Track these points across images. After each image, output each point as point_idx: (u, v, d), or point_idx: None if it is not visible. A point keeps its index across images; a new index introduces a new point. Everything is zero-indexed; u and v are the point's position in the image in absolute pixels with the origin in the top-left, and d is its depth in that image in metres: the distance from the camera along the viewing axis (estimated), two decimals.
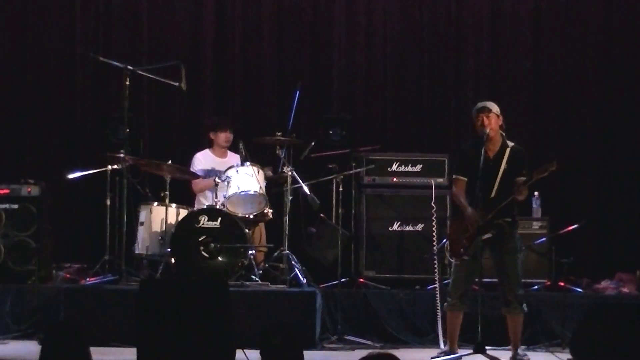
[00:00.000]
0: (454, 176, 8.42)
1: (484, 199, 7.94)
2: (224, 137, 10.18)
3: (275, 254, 9.63)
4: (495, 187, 8.06)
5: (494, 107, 8.17)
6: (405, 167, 10.18)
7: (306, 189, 9.62)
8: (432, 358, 8.04)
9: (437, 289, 9.13)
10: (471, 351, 7.99)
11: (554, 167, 7.94)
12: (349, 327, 9.27)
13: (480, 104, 8.22)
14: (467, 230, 8.05)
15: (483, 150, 8.02)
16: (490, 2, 11.56)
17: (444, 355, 8.19)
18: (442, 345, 8.81)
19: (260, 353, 5.11)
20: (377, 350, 3.56)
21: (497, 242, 8.05)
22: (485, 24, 11.57)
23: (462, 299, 8.20)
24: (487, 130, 8.06)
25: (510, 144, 8.22)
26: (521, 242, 8.63)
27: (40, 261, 9.53)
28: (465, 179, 8.22)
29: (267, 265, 9.66)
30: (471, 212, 7.97)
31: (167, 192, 9.48)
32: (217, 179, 9.53)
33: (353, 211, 10.19)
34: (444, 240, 8.40)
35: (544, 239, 9.84)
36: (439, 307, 8.95)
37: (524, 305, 8.17)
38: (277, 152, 9.76)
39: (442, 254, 8.62)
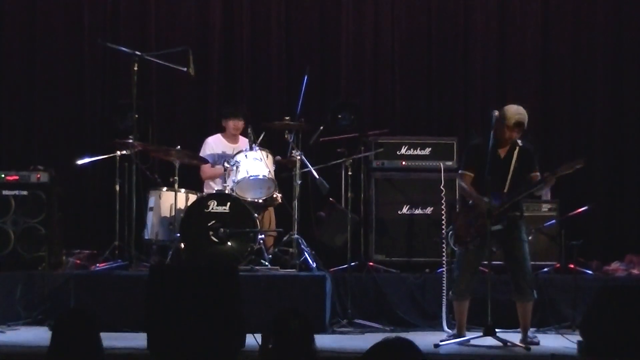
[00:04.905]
0: (460, 171, 8.46)
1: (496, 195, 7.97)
2: (232, 124, 10.24)
3: (285, 238, 9.63)
4: (507, 184, 8.12)
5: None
6: (414, 150, 10.17)
7: (315, 174, 9.62)
8: (440, 341, 8.03)
9: (444, 273, 9.14)
10: (481, 334, 7.99)
11: (582, 164, 7.93)
12: (359, 311, 9.27)
13: (519, 116, 8.09)
14: (477, 219, 8.06)
15: (495, 150, 8.09)
16: None
17: (452, 339, 8.20)
18: (445, 329, 8.83)
19: (275, 337, 5.09)
20: (393, 335, 3.52)
21: (506, 231, 8.08)
22: (493, 5, 11.54)
23: (467, 287, 8.23)
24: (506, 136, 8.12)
25: (520, 142, 8.22)
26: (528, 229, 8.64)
27: (50, 248, 9.53)
28: (472, 175, 8.26)
29: (276, 249, 9.67)
30: (485, 202, 7.96)
31: (177, 178, 9.47)
32: (226, 164, 9.54)
33: (362, 195, 10.18)
34: (451, 228, 8.39)
35: (553, 221, 9.83)
36: (444, 292, 8.97)
37: (535, 292, 8.18)
38: (286, 136, 9.75)
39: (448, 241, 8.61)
